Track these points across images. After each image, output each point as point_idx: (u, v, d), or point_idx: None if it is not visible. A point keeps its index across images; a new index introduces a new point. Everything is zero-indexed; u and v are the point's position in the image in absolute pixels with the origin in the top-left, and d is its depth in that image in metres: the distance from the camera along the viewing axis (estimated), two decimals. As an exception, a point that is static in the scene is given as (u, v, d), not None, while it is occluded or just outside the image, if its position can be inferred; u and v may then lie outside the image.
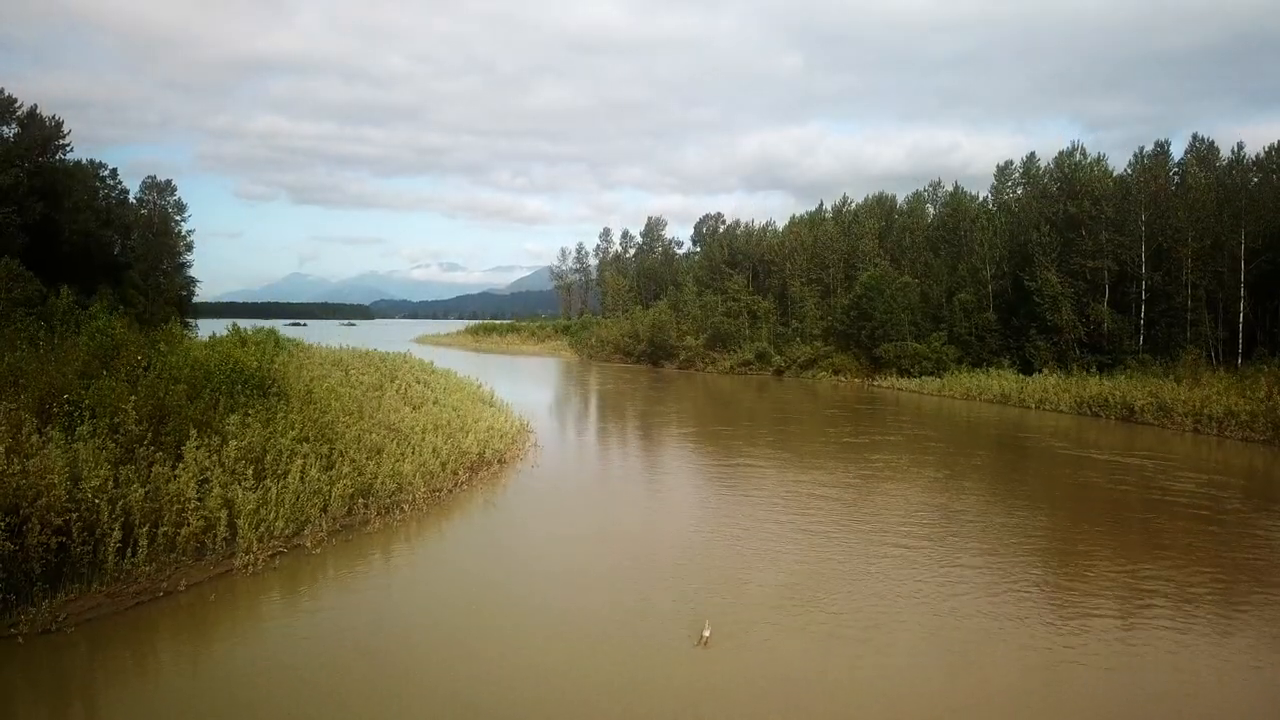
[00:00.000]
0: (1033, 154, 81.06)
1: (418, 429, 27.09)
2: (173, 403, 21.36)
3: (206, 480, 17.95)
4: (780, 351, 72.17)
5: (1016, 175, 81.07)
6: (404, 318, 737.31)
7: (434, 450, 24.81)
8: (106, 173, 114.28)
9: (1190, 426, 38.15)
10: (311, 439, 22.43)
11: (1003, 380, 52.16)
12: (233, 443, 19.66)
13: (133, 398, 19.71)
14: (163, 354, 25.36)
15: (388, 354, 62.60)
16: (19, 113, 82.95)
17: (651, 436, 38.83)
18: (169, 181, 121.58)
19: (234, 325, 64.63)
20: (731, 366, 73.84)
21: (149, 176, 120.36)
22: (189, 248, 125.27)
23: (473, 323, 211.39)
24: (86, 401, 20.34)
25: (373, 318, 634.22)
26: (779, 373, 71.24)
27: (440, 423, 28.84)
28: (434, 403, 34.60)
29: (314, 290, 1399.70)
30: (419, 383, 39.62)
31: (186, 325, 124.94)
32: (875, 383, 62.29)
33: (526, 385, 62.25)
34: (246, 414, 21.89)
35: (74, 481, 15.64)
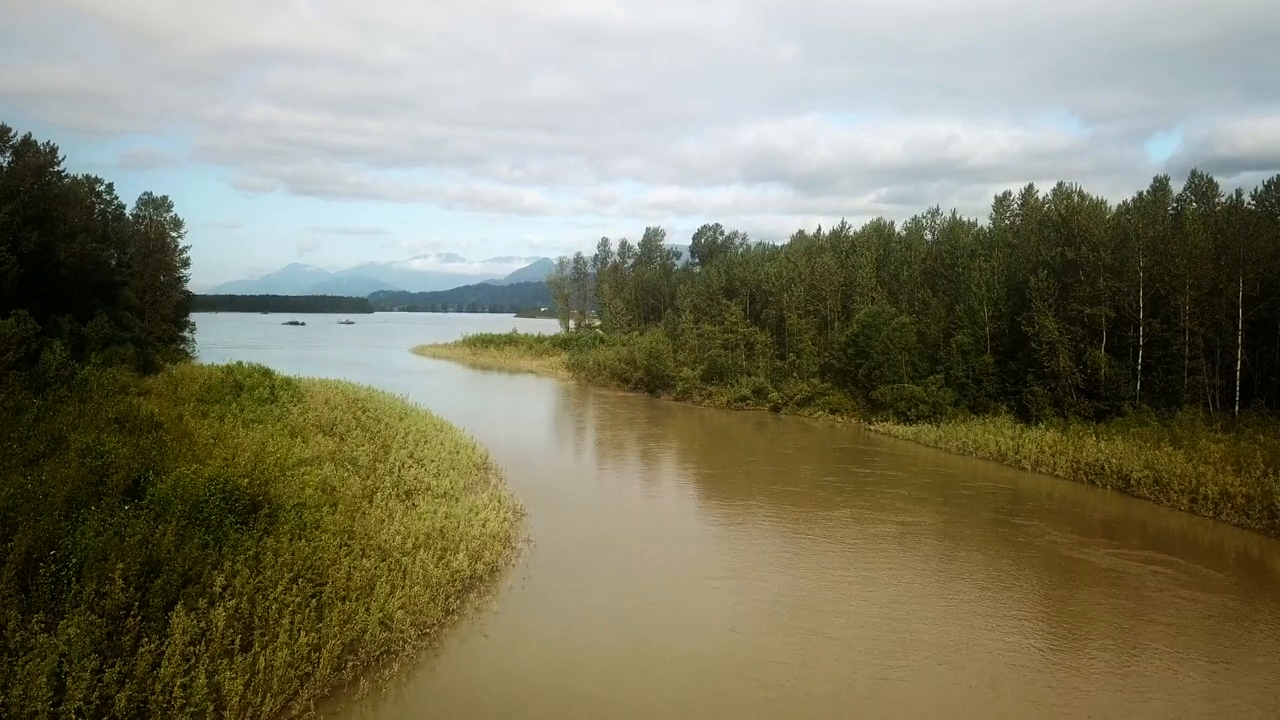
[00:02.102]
0: (1030, 185, 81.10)
1: (409, 543, 26.99)
2: (161, 552, 21.27)
3: (193, 663, 17.83)
4: (777, 387, 72.02)
5: (1015, 207, 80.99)
6: (403, 309, 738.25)
7: (424, 577, 24.67)
8: (103, 188, 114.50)
9: (1186, 505, 38.05)
10: (301, 578, 22.33)
11: (999, 436, 51.98)
12: (221, 608, 19.55)
13: (120, 565, 19.57)
14: (152, 482, 25.20)
15: (384, 400, 62.44)
16: (13, 141, 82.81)
17: (647, 514, 38.68)
18: (164, 198, 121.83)
19: (229, 369, 64.67)
20: (729, 401, 73.69)
21: (145, 193, 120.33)
22: (185, 263, 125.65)
23: (471, 318, 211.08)
24: (74, 559, 20.29)
25: (371, 310, 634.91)
26: (776, 409, 71.12)
27: (434, 530, 28.70)
28: (427, 490, 34.50)
29: (313, 281, 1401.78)
30: (413, 459, 39.43)
31: (184, 341, 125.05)
32: (872, 427, 62.14)
33: (522, 431, 62.05)
34: (235, 560, 21.83)
35: (58, 692, 15.53)
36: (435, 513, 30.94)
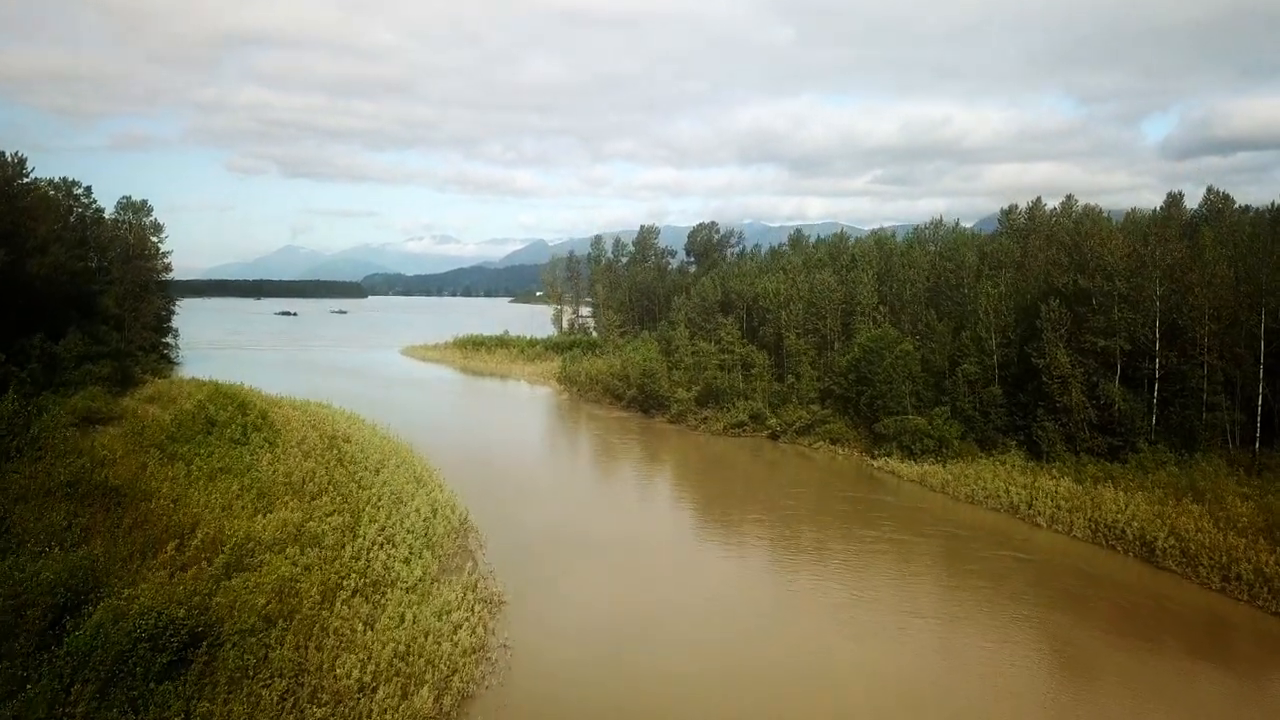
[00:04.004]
0: (1039, 199, 78.18)
1: (369, 673, 24.24)
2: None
3: None
4: (776, 413, 69.16)
5: (1021, 220, 78.07)
6: (398, 293, 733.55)
7: (384, 728, 21.95)
8: (81, 190, 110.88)
9: (1217, 584, 35.31)
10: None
11: (1012, 485, 49.09)
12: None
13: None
14: (70, 630, 22.26)
15: (364, 435, 59.63)
16: (-22, 157, 79.45)
17: (632, 598, 35.89)
18: (144, 201, 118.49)
19: (200, 405, 61.72)
20: (725, 427, 70.82)
21: (124, 197, 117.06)
22: (167, 268, 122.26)
23: (466, 302, 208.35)
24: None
25: (365, 295, 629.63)
26: (774, 436, 68.29)
27: (399, 651, 25.92)
28: (396, 582, 31.67)
29: (307, 263, 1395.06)
30: (384, 536, 36.50)
31: (167, 347, 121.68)
32: (876, 463, 59.23)
33: (508, 469, 59.23)
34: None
35: None
36: (402, 621, 28.16)
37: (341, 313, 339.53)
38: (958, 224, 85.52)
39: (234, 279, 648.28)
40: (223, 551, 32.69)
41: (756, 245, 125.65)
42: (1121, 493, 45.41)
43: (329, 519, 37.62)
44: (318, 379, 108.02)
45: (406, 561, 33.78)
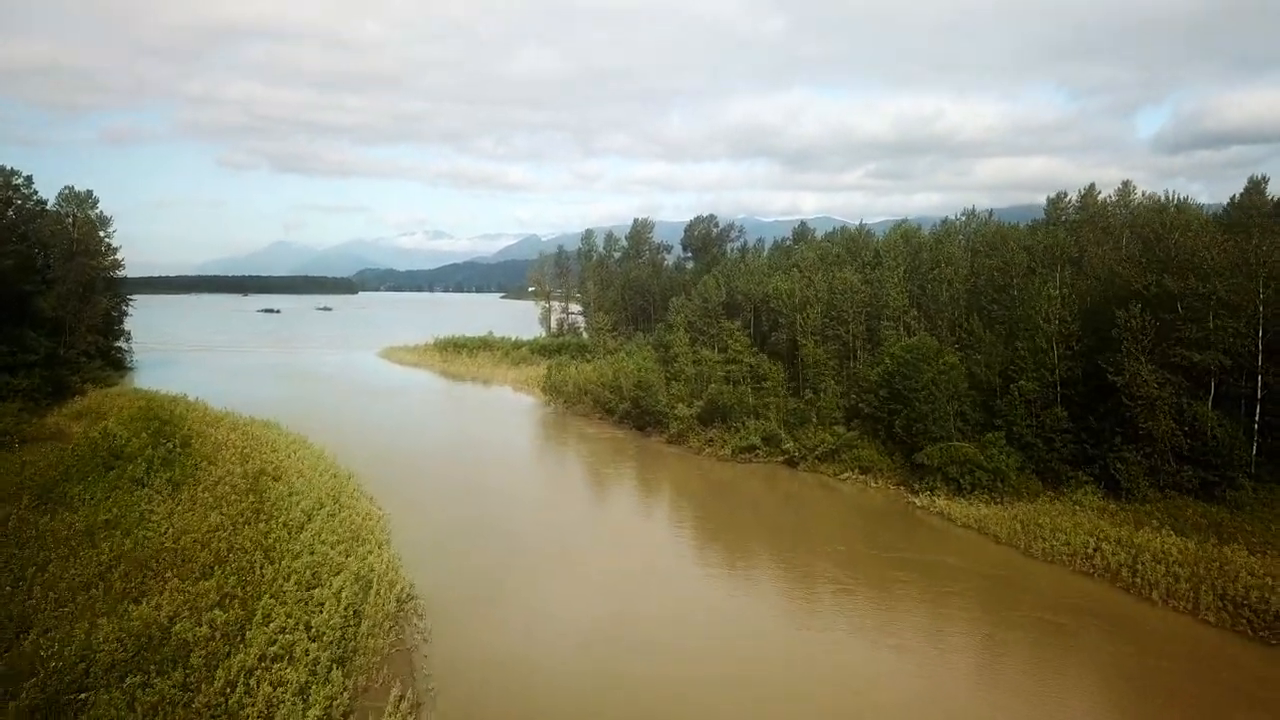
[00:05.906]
0: (1092, 185, 68.36)
1: None
2: None
3: None
4: (793, 435, 59.08)
5: (1071, 210, 68.14)
6: (389, 289, 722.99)
7: None
8: (20, 180, 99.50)
9: None
10: None
11: (1104, 543, 38.78)
12: None
13: None
14: None
15: (304, 467, 49.70)
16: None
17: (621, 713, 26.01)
18: (89, 192, 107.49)
19: (105, 432, 51.61)
20: (734, 451, 60.68)
21: (66, 187, 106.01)
22: (117, 265, 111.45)
23: (457, 298, 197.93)
24: None
25: (356, 290, 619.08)
26: (792, 463, 58.20)
27: None
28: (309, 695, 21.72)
29: (299, 259, 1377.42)
30: (281, 646, 26.36)
31: (119, 351, 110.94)
32: (917, 501, 49.21)
33: (474, 508, 49.28)
34: None
35: None
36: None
37: (326, 310, 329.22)
38: (991, 214, 75.40)
39: (225, 275, 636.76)
40: (31, 680, 22.77)
41: (760, 239, 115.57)
42: (1247, 553, 35.64)
43: (211, 613, 27.60)
44: (280, 386, 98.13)
45: (303, 692, 23.72)
